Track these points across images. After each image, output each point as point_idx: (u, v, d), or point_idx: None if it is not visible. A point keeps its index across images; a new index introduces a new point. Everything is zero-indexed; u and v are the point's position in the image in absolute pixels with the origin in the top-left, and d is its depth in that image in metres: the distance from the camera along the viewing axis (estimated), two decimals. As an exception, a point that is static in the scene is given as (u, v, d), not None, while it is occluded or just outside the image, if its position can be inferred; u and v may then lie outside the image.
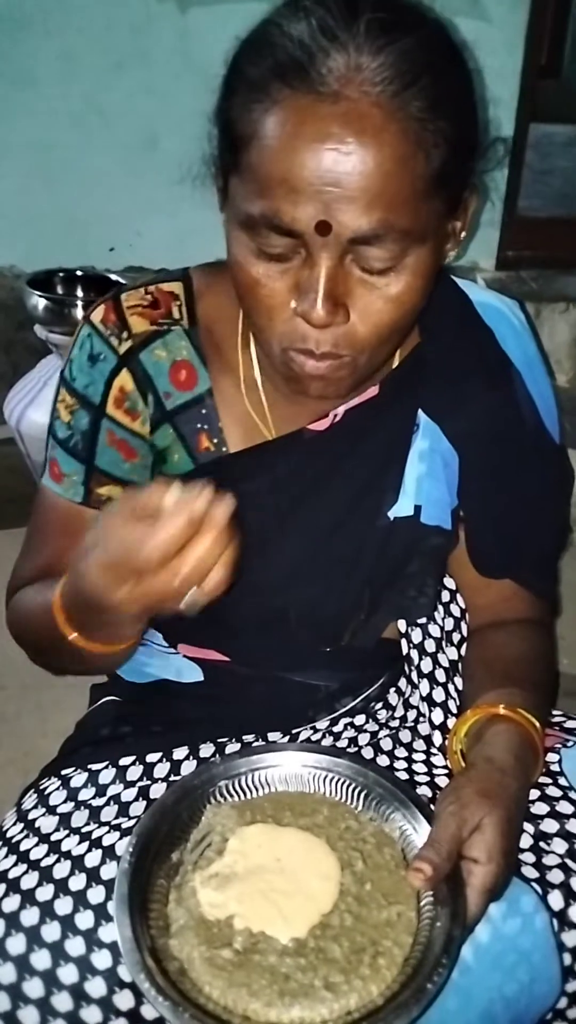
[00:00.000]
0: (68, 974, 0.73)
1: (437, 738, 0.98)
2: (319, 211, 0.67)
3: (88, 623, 0.76)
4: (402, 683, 1.01)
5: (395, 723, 1.00)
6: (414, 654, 0.99)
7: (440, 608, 1.00)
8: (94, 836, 0.81)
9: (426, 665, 0.99)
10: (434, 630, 0.99)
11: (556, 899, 0.78)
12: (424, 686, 0.99)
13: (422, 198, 0.69)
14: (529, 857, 0.81)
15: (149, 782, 0.88)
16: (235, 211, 0.72)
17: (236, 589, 0.92)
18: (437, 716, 0.98)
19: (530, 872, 0.80)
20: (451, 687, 0.99)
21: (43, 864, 0.78)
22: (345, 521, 0.91)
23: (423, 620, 0.99)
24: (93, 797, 0.86)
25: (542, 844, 0.82)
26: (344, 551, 0.92)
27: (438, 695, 0.98)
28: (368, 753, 0.96)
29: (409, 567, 0.94)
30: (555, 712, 0.98)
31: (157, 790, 0.87)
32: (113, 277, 2.03)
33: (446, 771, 0.93)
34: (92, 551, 0.69)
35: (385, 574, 0.94)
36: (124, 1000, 0.73)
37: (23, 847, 0.81)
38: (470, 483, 0.93)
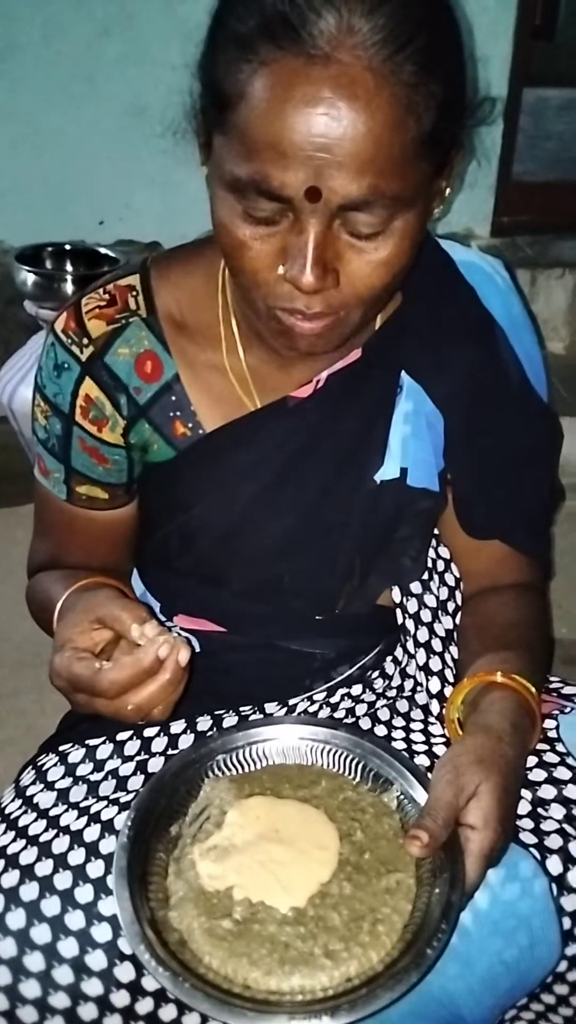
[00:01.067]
0: (68, 947, 0.73)
1: (435, 707, 0.98)
2: (309, 177, 0.65)
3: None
4: (398, 652, 1.01)
5: (392, 693, 1.00)
6: (410, 624, 0.99)
7: (435, 577, 1.00)
8: (92, 811, 0.81)
9: (422, 635, 0.99)
10: (429, 599, 0.99)
11: (555, 864, 0.79)
12: (421, 655, 0.99)
13: (412, 162, 0.68)
14: (527, 823, 0.82)
15: (147, 756, 0.88)
16: (220, 171, 0.71)
17: (228, 560, 0.92)
18: (434, 685, 0.98)
19: (528, 838, 0.80)
20: (447, 656, 0.99)
21: (42, 839, 0.78)
22: (333, 487, 0.91)
23: (418, 590, 0.98)
24: (91, 772, 0.86)
25: (540, 810, 0.83)
26: (333, 517, 0.92)
27: (435, 664, 0.98)
28: (366, 723, 0.97)
29: (399, 531, 0.94)
30: (553, 678, 0.98)
31: (155, 764, 0.87)
32: (103, 251, 2.01)
33: (444, 740, 0.93)
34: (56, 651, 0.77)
35: (375, 539, 0.94)
36: (125, 972, 0.73)
37: (22, 823, 0.81)
38: (455, 444, 0.92)
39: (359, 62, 0.64)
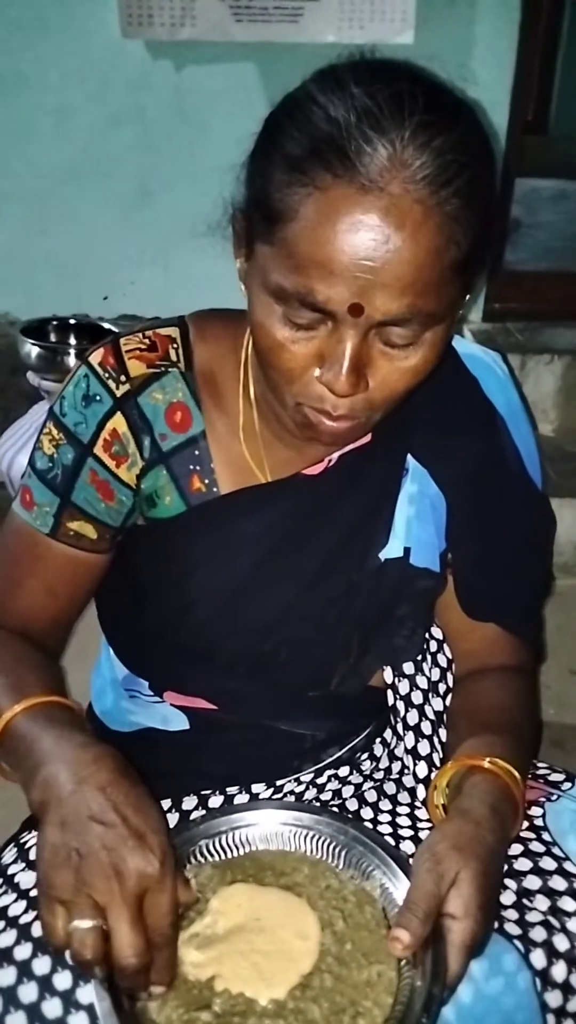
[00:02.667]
0: (44, 1036, 0.71)
1: (421, 791, 0.97)
2: (353, 294, 0.70)
3: (11, 763, 0.78)
4: (387, 734, 1.01)
5: (380, 775, 1.00)
6: (400, 705, 0.99)
7: (428, 658, 1.01)
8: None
9: (412, 717, 0.99)
10: (421, 681, 1.00)
11: (538, 958, 0.78)
12: (409, 739, 0.99)
13: (447, 283, 0.73)
14: (512, 914, 0.81)
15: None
16: (263, 277, 0.74)
17: (226, 631, 0.93)
18: (421, 770, 0.98)
19: (512, 929, 0.79)
20: (436, 740, 0.99)
21: (22, 921, 0.77)
22: (336, 563, 0.93)
23: (410, 671, 0.99)
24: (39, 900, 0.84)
25: (525, 900, 0.82)
26: (334, 593, 0.93)
27: (423, 748, 0.98)
28: (352, 805, 0.96)
29: (398, 610, 0.95)
30: (540, 764, 0.97)
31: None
32: (106, 325, 2.06)
33: (430, 825, 0.92)
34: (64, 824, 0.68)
35: (374, 617, 0.95)
36: (101, 1063, 0.71)
37: (1, 903, 0.80)
38: (457, 526, 0.95)
39: (408, 195, 0.68)
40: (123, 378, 0.88)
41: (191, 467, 0.91)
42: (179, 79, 2.08)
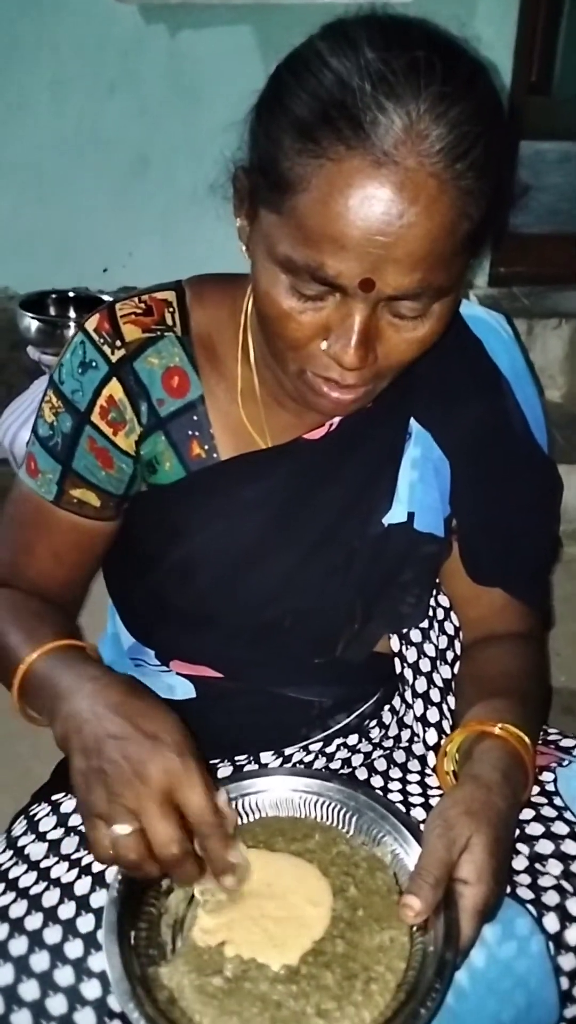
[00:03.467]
0: (57, 1005, 0.72)
1: (431, 759, 0.97)
2: (365, 269, 0.68)
3: (36, 708, 0.82)
4: (396, 702, 1.01)
5: (389, 743, 0.99)
6: (408, 673, 0.98)
7: (435, 626, 1.00)
8: (84, 863, 0.80)
9: (420, 685, 0.98)
10: (428, 649, 0.99)
11: (552, 922, 0.78)
12: (419, 706, 0.98)
13: (459, 256, 0.71)
14: (524, 879, 0.81)
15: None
16: (269, 247, 0.72)
17: (229, 598, 0.92)
18: (431, 737, 0.98)
19: (525, 894, 0.79)
20: (445, 707, 0.99)
21: (32, 892, 0.77)
22: (339, 529, 0.92)
23: (418, 639, 0.98)
24: (83, 823, 0.85)
25: (537, 865, 0.81)
26: (338, 559, 0.92)
27: (432, 716, 0.98)
28: (362, 774, 0.96)
29: (402, 575, 0.94)
30: (551, 730, 0.97)
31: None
32: (105, 298, 2.04)
33: (441, 792, 0.92)
34: (111, 723, 0.71)
35: (378, 582, 0.94)
36: (114, 1031, 0.72)
37: (12, 875, 0.80)
38: (461, 491, 0.94)
39: (423, 168, 0.65)
40: (118, 343, 0.87)
41: (190, 433, 0.90)
42: (174, 44, 2.05)
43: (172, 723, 0.72)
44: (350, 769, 0.96)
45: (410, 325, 0.73)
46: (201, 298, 0.91)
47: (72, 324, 1.90)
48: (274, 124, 0.70)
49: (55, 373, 0.91)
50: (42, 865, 0.80)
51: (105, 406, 0.88)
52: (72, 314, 2.02)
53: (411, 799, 0.92)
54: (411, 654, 0.98)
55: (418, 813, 0.90)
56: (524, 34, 2.07)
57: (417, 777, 0.96)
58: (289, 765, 0.95)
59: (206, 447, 0.90)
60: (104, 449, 0.89)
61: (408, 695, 0.99)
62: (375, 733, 0.99)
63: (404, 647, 0.98)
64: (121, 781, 0.68)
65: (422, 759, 0.97)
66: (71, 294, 2.07)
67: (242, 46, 2.02)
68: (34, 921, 0.75)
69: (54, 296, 2.04)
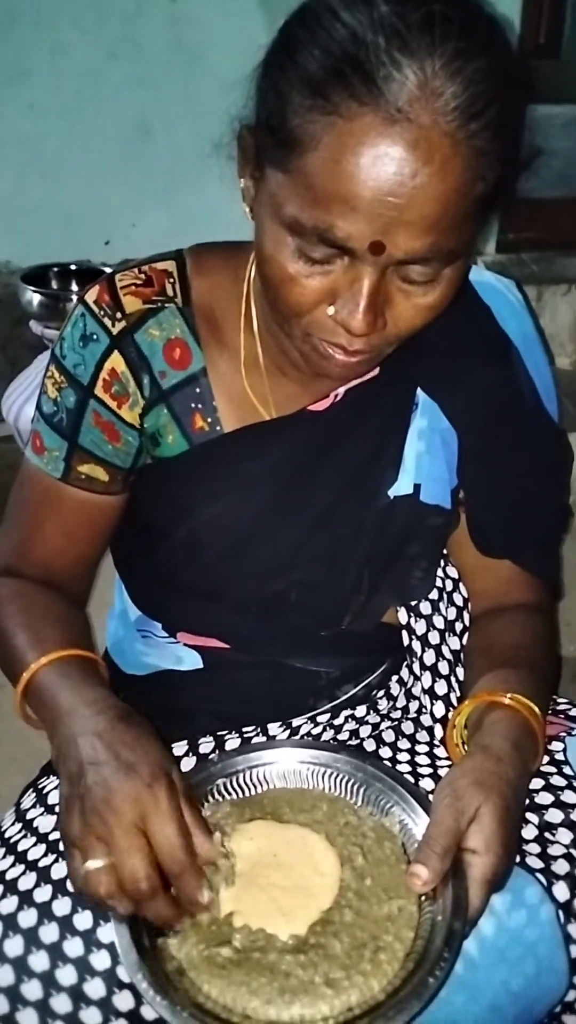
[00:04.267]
0: (67, 975, 0.72)
1: (439, 730, 0.97)
2: (375, 232, 0.66)
3: (39, 716, 0.81)
4: (404, 673, 1.00)
5: (397, 714, 0.99)
6: (416, 645, 0.98)
7: (444, 597, 0.99)
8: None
9: (429, 657, 0.98)
10: (437, 620, 0.98)
11: (561, 890, 0.77)
12: (427, 678, 0.98)
13: (471, 219, 0.70)
14: (534, 847, 0.80)
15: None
16: (275, 208, 0.70)
17: (235, 571, 0.92)
18: (439, 709, 0.97)
19: (535, 863, 0.79)
20: (453, 679, 0.98)
21: (41, 864, 0.78)
22: (345, 500, 0.91)
23: (428, 611, 0.98)
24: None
25: (547, 834, 0.81)
26: (344, 531, 0.92)
27: (440, 688, 0.97)
28: (370, 745, 0.95)
29: (409, 548, 0.94)
30: (560, 700, 0.96)
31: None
32: (108, 271, 2.02)
33: (449, 763, 0.92)
34: (106, 762, 0.69)
35: (385, 554, 0.93)
36: (123, 1001, 0.72)
37: (21, 847, 0.80)
38: (469, 461, 0.92)
39: (437, 127, 0.63)
40: (119, 315, 0.86)
41: (192, 405, 0.89)
42: (174, 9, 2.01)
43: (154, 753, 0.70)
44: (358, 740, 0.96)
45: (420, 290, 0.72)
46: (202, 267, 0.89)
47: (74, 298, 1.88)
48: (283, 80, 0.67)
49: (57, 347, 0.90)
50: (51, 838, 0.80)
51: (108, 379, 0.87)
52: (74, 287, 2.00)
53: (419, 770, 0.92)
54: (420, 626, 0.98)
55: (426, 784, 0.89)
56: (532, -7, 2.02)
57: (425, 748, 0.95)
58: (296, 737, 0.94)
59: (209, 420, 0.89)
60: (110, 423, 0.88)
61: (416, 667, 0.98)
62: (383, 704, 0.99)
63: (412, 619, 0.98)
64: (93, 810, 0.66)
65: (430, 730, 0.97)
66: (73, 267, 2.04)
67: (243, 9, 1.98)
68: (43, 893, 0.75)
69: (56, 269, 2.01)
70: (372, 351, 0.75)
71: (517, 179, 0.76)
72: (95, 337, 0.86)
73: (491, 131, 0.66)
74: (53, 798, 0.85)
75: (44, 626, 0.86)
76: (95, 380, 0.87)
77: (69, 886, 0.75)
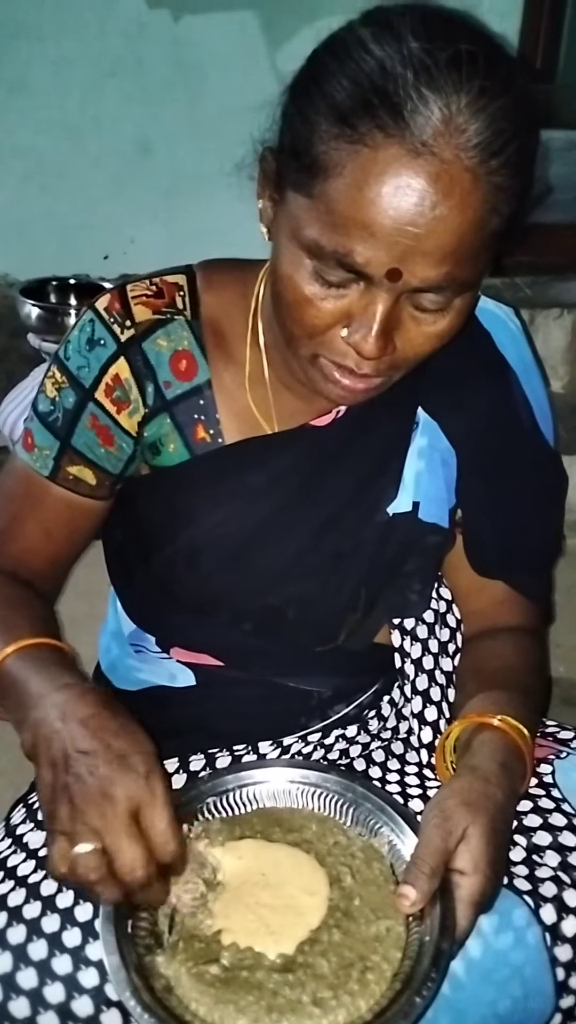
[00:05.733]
0: (55, 993, 0.72)
1: (428, 754, 0.97)
2: (393, 259, 0.68)
3: (5, 706, 0.78)
4: (395, 694, 1.00)
5: (387, 735, 0.99)
6: (409, 668, 0.98)
7: (438, 619, 1.00)
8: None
9: (421, 682, 0.98)
10: (432, 644, 0.99)
11: (548, 913, 0.78)
12: (417, 703, 0.98)
13: (485, 252, 0.72)
14: (522, 870, 0.81)
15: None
16: (295, 230, 0.72)
17: (232, 584, 0.92)
18: (427, 735, 0.97)
19: (523, 885, 0.79)
20: (444, 705, 0.98)
21: (30, 880, 0.78)
22: (343, 516, 0.92)
23: (424, 635, 0.98)
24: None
25: (535, 857, 0.82)
26: (342, 547, 0.92)
27: (430, 714, 0.98)
28: (360, 765, 0.96)
29: (406, 565, 0.94)
30: (549, 722, 0.97)
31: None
32: (107, 286, 2.02)
33: (439, 783, 0.92)
34: (79, 738, 0.69)
35: (382, 571, 0.94)
36: (111, 1019, 0.72)
37: (10, 863, 0.80)
38: (467, 481, 0.94)
39: (459, 162, 0.65)
40: (128, 323, 0.87)
41: (195, 416, 0.90)
42: (177, 29, 2.03)
43: (142, 743, 0.70)
44: (348, 760, 0.96)
45: (431, 318, 0.74)
46: (211, 282, 0.91)
47: (73, 312, 1.89)
48: (310, 107, 0.69)
49: (60, 350, 0.91)
50: (40, 853, 0.80)
51: (111, 384, 0.88)
52: (73, 301, 2.01)
53: (409, 790, 0.92)
54: (415, 649, 0.98)
55: (416, 804, 0.90)
56: (529, 18, 2.05)
57: (415, 769, 0.96)
58: (287, 756, 0.95)
59: (211, 431, 0.90)
60: (106, 427, 0.89)
61: (408, 690, 0.98)
62: (374, 725, 0.99)
63: (408, 642, 0.98)
64: (87, 799, 0.66)
65: (420, 751, 0.97)
66: (72, 281, 2.05)
67: (246, 32, 2.00)
68: (32, 910, 0.75)
69: (55, 283, 2.03)
70: (379, 376, 0.77)
71: (530, 214, 0.78)
72: (103, 342, 0.87)
73: (510, 168, 0.68)
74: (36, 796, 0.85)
75: (15, 616, 0.85)
76: (97, 383, 0.88)
77: (59, 902, 0.75)
